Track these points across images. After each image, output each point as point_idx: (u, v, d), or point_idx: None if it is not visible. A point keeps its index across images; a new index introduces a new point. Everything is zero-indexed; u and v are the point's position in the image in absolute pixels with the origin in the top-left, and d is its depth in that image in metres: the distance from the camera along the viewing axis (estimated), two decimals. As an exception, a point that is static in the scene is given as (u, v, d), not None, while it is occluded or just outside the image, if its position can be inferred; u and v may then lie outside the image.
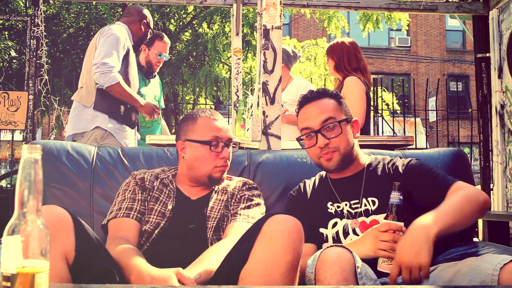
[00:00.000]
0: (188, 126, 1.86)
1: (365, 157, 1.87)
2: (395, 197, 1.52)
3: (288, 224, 1.34)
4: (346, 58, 3.20)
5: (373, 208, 1.72)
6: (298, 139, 1.83)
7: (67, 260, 1.32)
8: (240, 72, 4.62)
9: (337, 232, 1.73)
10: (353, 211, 1.74)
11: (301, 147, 1.87)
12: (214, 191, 1.84)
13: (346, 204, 1.76)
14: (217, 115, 1.89)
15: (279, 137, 2.58)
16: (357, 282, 1.34)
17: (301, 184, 1.92)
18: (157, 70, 3.85)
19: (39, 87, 4.72)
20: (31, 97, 4.73)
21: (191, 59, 10.08)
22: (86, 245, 1.36)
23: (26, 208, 0.83)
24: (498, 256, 1.37)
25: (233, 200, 1.82)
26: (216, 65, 9.70)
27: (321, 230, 1.76)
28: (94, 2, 8.77)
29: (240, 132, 2.90)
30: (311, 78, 10.01)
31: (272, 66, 2.62)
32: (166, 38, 3.84)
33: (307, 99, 1.81)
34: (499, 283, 1.26)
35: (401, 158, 1.87)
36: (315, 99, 1.80)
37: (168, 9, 9.58)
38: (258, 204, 1.82)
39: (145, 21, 3.38)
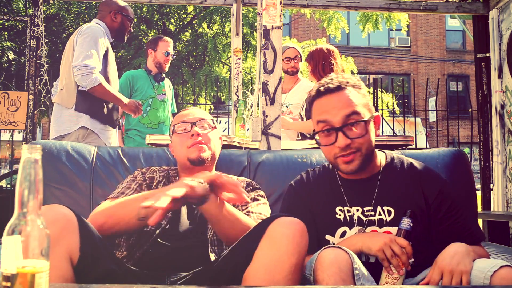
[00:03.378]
0: (171, 128, 1.95)
1: (380, 155, 1.67)
2: (405, 223, 1.48)
3: (293, 227, 1.34)
4: (321, 65, 3.41)
5: (388, 218, 1.57)
6: (314, 134, 1.60)
7: (71, 260, 1.31)
8: (240, 72, 4.63)
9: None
10: (364, 219, 1.59)
11: (303, 147, 1.86)
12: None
13: (357, 210, 1.60)
14: (191, 108, 1.94)
15: (279, 137, 2.57)
16: (354, 283, 1.33)
17: (304, 175, 1.74)
18: (167, 69, 3.89)
19: (39, 87, 4.73)
20: (31, 97, 4.74)
21: (191, 59, 10.07)
22: (90, 245, 1.36)
23: (26, 208, 0.83)
24: (488, 262, 1.34)
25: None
26: (216, 65, 9.69)
27: (327, 237, 1.62)
28: (94, 2, 8.77)
29: (240, 132, 2.90)
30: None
31: (272, 66, 2.62)
32: (166, 38, 3.96)
33: (327, 89, 1.54)
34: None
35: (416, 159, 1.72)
36: (337, 89, 1.54)
37: (168, 9, 9.58)
38: (265, 204, 1.81)
39: (114, 10, 3.32)
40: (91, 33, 3.08)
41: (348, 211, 1.61)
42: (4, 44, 8.47)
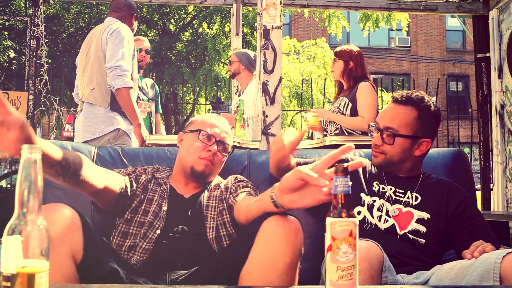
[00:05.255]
0: (192, 122, 1.91)
1: (419, 167, 1.93)
2: (341, 183, 1.04)
3: (288, 225, 1.32)
4: (354, 65, 3.28)
5: (414, 203, 1.80)
6: (371, 125, 1.93)
7: (74, 259, 1.31)
8: (240, 72, 4.61)
9: (372, 205, 1.80)
10: (394, 197, 1.82)
11: (303, 147, 1.89)
12: (206, 189, 1.81)
13: (390, 189, 1.83)
14: (221, 121, 1.90)
15: (279, 137, 2.57)
16: (381, 277, 1.35)
17: (349, 156, 1.97)
18: (145, 66, 3.84)
19: (39, 87, 4.73)
20: (31, 97, 4.74)
21: (191, 59, 10.08)
22: (93, 244, 1.36)
23: (26, 208, 0.83)
24: (501, 250, 1.44)
25: (227, 193, 1.77)
26: (216, 65, 9.70)
27: (362, 194, 1.83)
28: (94, 2, 8.77)
29: (240, 132, 2.90)
30: (311, 78, 10.01)
31: (272, 66, 2.62)
32: (141, 37, 3.91)
33: (396, 100, 1.86)
34: (500, 270, 1.33)
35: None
36: (401, 103, 1.85)
37: (168, 9, 9.59)
38: (255, 190, 1.81)
39: (135, 14, 3.32)
40: (122, 34, 3.03)
41: (383, 188, 1.84)
42: (5, 43, 8.48)
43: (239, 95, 4.12)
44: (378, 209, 1.79)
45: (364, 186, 1.85)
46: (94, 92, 3.05)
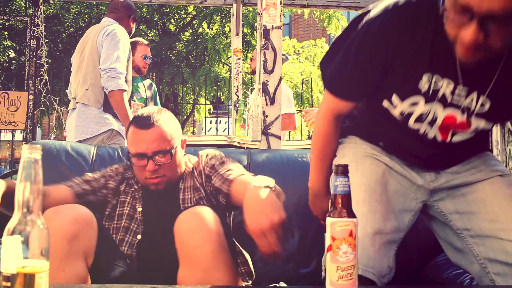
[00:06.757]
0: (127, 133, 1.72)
1: None
2: (341, 183, 1.02)
3: (192, 220, 1.31)
4: None
5: (477, 109, 1.28)
6: None
7: (86, 261, 1.32)
8: (240, 72, 4.63)
9: (409, 114, 1.33)
10: (449, 99, 1.27)
11: (304, 147, 1.86)
12: (181, 180, 1.71)
13: (448, 84, 1.25)
14: (147, 126, 1.63)
15: (279, 137, 2.58)
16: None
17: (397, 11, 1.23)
18: (145, 72, 3.88)
19: (39, 87, 4.73)
20: (31, 97, 4.74)
21: (191, 59, 10.08)
22: (105, 249, 1.36)
23: (26, 208, 0.83)
24: None
25: (203, 179, 1.68)
26: (216, 65, 9.70)
27: (394, 97, 1.33)
28: (94, 2, 8.77)
29: (240, 132, 2.90)
30: (311, 78, 10.01)
31: (272, 66, 2.62)
32: (144, 40, 3.91)
33: None
34: None
35: None
36: None
37: (168, 9, 9.59)
38: (233, 162, 1.72)
39: (133, 16, 3.31)
40: (118, 37, 3.03)
41: (436, 84, 1.26)
42: (4, 43, 8.48)
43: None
44: (420, 119, 1.32)
45: None
46: (87, 93, 3.07)
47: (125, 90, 2.96)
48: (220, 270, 1.29)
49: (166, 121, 1.67)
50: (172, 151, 1.64)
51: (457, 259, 1.44)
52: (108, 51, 2.98)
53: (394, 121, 1.38)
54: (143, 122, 1.63)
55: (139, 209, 1.65)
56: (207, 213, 1.34)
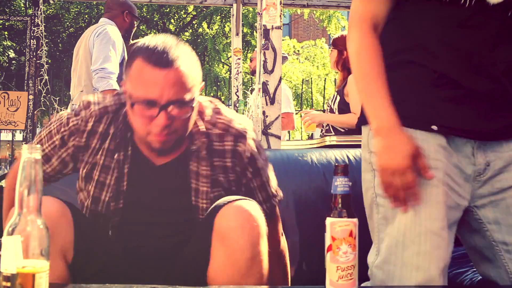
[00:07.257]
0: (127, 67, 1.27)
1: None
2: (341, 184, 1.03)
3: (240, 217, 1.17)
4: (348, 55, 3.13)
5: None
6: None
7: (65, 258, 1.21)
8: (240, 72, 4.63)
9: None
10: None
11: (301, 147, 1.86)
12: (189, 152, 1.31)
13: None
14: (160, 59, 1.18)
15: (279, 137, 2.58)
16: None
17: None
18: None
19: (39, 87, 4.73)
20: (31, 97, 4.74)
21: (191, 59, 10.08)
22: (85, 241, 1.24)
23: (26, 208, 0.83)
24: None
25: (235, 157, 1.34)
26: (216, 65, 9.71)
27: None
28: (94, 2, 8.77)
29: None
30: (310, 78, 10.01)
31: (272, 66, 2.62)
32: None
33: None
34: None
35: None
36: None
37: (168, 9, 9.60)
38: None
39: (126, 11, 3.27)
40: (109, 35, 3.03)
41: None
42: (5, 43, 8.49)
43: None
44: None
45: None
46: (82, 95, 3.08)
47: (116, 90, 2.96)
48: (258, 278, 1.21)
49: (187, 60, 1.22)
50: (194, 103, 1.23)
51: (486, 270, 1.27)
52: (99, 51, 2.99)
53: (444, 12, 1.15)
54: (158, 58, 1.18)
55: (125, 183, 1.32)
56: (250, 212, 1.18)
